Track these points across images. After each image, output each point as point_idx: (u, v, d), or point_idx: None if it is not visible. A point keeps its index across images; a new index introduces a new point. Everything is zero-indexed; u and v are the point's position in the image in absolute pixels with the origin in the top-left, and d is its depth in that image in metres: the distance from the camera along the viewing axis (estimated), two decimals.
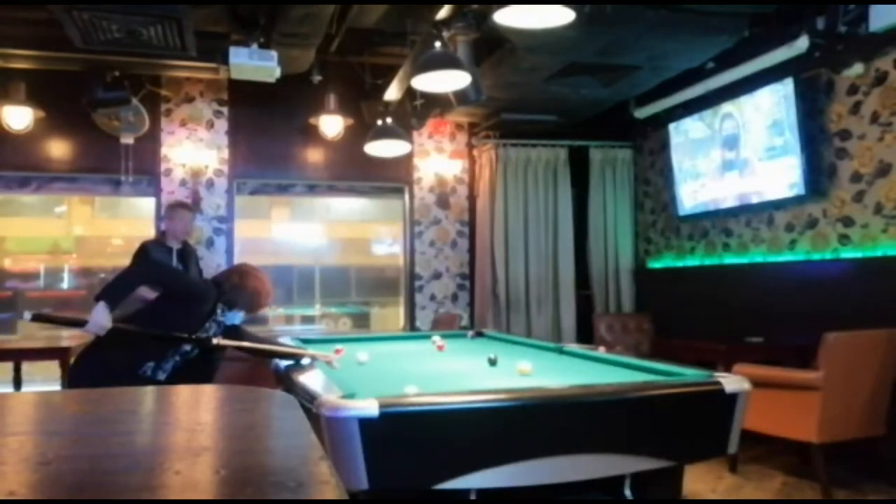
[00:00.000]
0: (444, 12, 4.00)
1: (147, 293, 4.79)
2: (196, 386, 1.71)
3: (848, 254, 4.50)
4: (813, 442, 3.71)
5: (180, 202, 5.57)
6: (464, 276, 6.82)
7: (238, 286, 3.29)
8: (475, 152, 6.79)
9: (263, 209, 8.46)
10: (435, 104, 5.58)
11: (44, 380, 6.16)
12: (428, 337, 4.53)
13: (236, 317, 3.34)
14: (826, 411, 3.69)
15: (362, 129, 5.94)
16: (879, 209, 4.30)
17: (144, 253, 4.81)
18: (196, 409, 1.42)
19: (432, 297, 6.72)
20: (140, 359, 3.11)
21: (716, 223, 5.73)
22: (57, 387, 4.84)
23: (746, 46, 4.75)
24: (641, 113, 6.15)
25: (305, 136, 6.35)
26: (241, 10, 4.72)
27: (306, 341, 4.21)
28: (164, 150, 6.09)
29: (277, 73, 4.78)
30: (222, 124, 6.24)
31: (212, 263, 6.16)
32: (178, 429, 1.21)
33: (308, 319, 8.19)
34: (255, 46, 4.66)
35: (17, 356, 5.26)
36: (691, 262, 6.04)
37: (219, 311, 3.29)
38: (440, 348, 3.99)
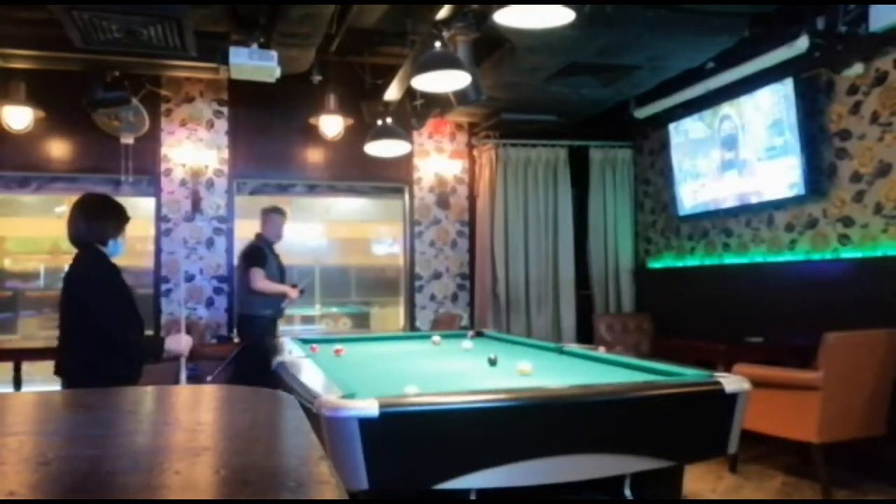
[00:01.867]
0: (444, 12, 4.00)
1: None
2: (196, 386, 1.71)
3: (848, 254, 4.50)
4: (813, 442, 3.71)
5: (274, 207, 5.60)
6: (464, 276, 6.82)
7: (99, 224, 3.20)
8: (475, 152, 6.79)
9: None
10: (435, 104, 5.58)
11: (44, 380, 6.16)
12: (428, 337, 4.53)
13: (118, 247, 3.29)
14: (826, 411, 3.69)
15: (362, 129, 5.94)
16: (879, 209, 4.30)
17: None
18: (196, 409, 1.42)
19: (432, 297, 6.72)
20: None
21: (716, 223, 5.73)
22: (57, 387, 4.83)
23: (746, 46, 4.75)
24: (641, 113, 6.15)
25: (305, 136, 6.35)
26: (241, 10, 4.72)
27: (306, 341, 4.21)
28: (164, 150, 6.09)
29: (277, 73, 4.78)
30: (222, 124, 6.24)
31: (212, 263, 6.16)
32: (178, 429, 1.21)
33: (308, 319, 8.19)
34: (255, 46, 4.66)
35: (17, 356, 5.26)
36: (691, 262, 6.04)
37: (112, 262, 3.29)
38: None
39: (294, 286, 5.31)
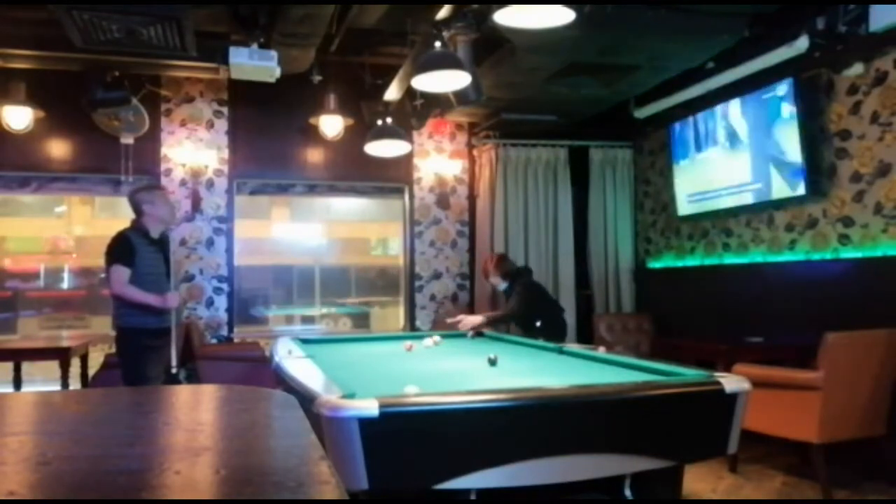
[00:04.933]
0: (444, 12, 4.00)
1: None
2: (196, 386, 1.71)
3: (848, 254, 4.50)
4: (813, 442, 3.71)
5: (153, 184, 5.28)
6: (464, 276, 6.82)
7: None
8: (475, 152, 6.79)
9: (263, 209, 8.47)
10: (435, 104, 5.58)
11: (44, 380, 6.16)
12: (429, 336, 4.53)
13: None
14: (826, 411, 3.69)
15: (362, 129, 5.94)
16: (879, 209, 4.30)
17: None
18: (196, 409, 1.42)
19: (432, 297, 6.72)
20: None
21: (716, 223, 5.73)
22: (57, 387, 4.84)
23: (746, 46, 4.75)
24: (641, 113, 6.15)
25: (305, 136, 6.35)
26: (241, 10, 4.72)
27: (306, 341, 4.21)
28: (164, 150, 6.09)
29: (277, 73, 4.78)
30: (222, 124, 6.24)
31: (212, 263, 6.16)
32: (178, 429, 1.21)
33: (308, 319, 8.19)
34: (255, 46, 4.67)
35: (17, 356, 5.26)
36: (691, 262, 6.04)
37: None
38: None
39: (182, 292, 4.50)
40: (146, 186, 4.49)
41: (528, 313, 4.90)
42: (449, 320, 4.77)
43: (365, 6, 4.77)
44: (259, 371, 4.83)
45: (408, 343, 4.13)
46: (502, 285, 5.06)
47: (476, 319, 4.78)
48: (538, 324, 4.79)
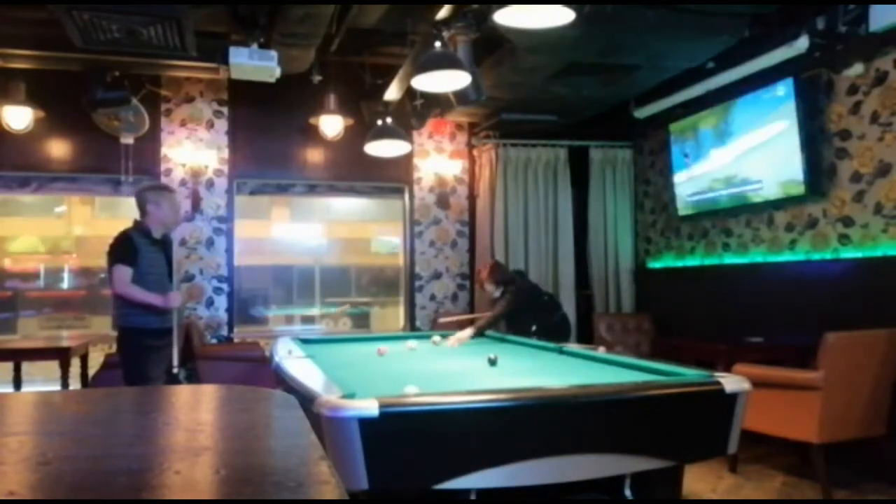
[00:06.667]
0: (444, 12, 4.00)
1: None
2: (196, 386, 1.72)
3: (848, 254, 4.50)
4: (813, 442, 3.71)
5: (163, 184, 5.17)
6: (464, 276, 6.81)
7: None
8: (475, 152, 6.79)
9: (263, 209, 8.47)
10: (435, 104, 5.58)
11: (44, 380, 6.16)
12: (428, 337, 4.53)
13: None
14: (826, 411, 3.69)
15: (362, 129, 5.94)
16: (879, 209, 4.29)
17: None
18: (196, 409, 1.42)
19: (432, 297, 6.72)
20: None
21: (716, 223, 5.73)
22: (57, 387, 4.84)
23: (746, 46, 4.75)
24: (641, 113, 6.15)
25: (305, 136, 6.35)
26: (241, 10, 4.72)
27: (306, 341, 4.21)
28: (164, 150, 6.09)
29: (277, 73, 4.78)
30: (222, 124, 6.24)
31: (212, 263, 6.16)
32: (178, 429, 1.21)
33: (308, 319, 8.19)
34: (255, 46, 4.67)
35: (17, 356, 5.26)
36: (691, 262, 6.04)
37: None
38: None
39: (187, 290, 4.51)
40: (156, 186, 4.45)
41: (520, 318, 4.85)
42: (444, 343, 4.42)
43: (365, 6, 4.77)
44: (259, 371, 4.83)
45: (436, 337, 4.16)
46: (497, 293, 5.02)
47: (465, 335, 4.50)
48: (533, 328, 4.77)
